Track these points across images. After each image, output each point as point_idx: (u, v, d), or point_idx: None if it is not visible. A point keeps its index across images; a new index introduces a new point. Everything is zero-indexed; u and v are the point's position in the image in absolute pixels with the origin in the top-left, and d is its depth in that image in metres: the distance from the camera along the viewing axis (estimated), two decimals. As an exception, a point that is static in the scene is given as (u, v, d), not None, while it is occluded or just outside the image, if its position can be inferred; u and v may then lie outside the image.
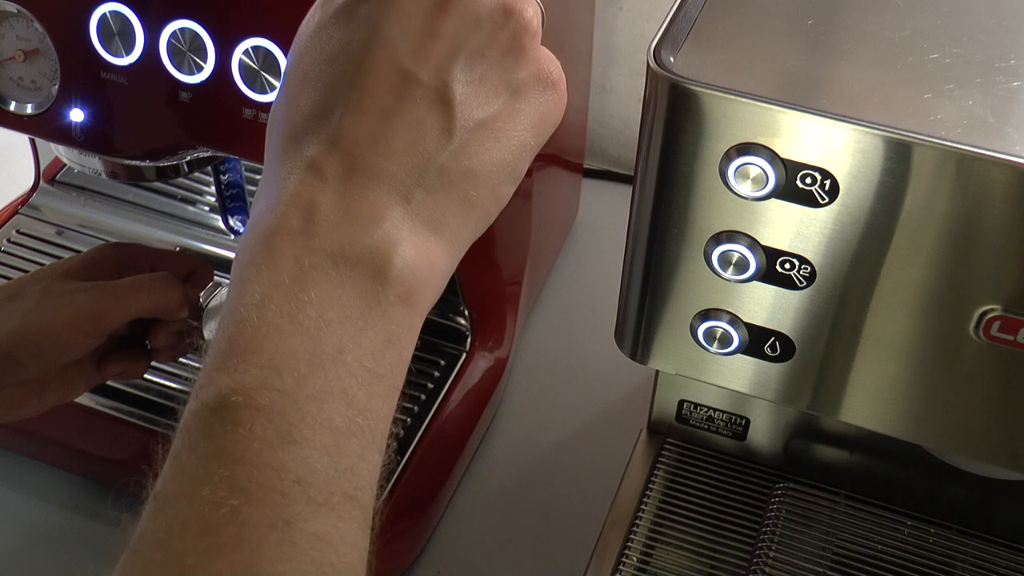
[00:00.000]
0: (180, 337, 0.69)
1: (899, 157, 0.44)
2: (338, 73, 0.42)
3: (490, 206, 0.44)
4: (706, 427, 0.73)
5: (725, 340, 0.52)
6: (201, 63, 0.55)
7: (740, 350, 0.52)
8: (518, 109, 0.44)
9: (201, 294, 0.68)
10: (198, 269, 0.70)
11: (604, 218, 0.99)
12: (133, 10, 0.55)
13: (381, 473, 0.41)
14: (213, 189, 0.82)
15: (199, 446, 0.37)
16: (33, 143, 0.87)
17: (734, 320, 0.51)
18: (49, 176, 0.89)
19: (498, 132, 0.43)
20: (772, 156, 0.46)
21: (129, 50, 0.55)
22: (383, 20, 0.42)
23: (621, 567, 0.67)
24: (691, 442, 0.74)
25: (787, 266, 0.48)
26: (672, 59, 0.47)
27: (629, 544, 0.69)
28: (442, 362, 0.79)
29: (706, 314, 0.51)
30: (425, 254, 0.41)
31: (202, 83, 0.55)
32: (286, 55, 0.53)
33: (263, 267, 0.39)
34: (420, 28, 0.42)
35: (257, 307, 0.39)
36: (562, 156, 0.91)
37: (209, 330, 0.67)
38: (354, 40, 0.42)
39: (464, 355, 0.80)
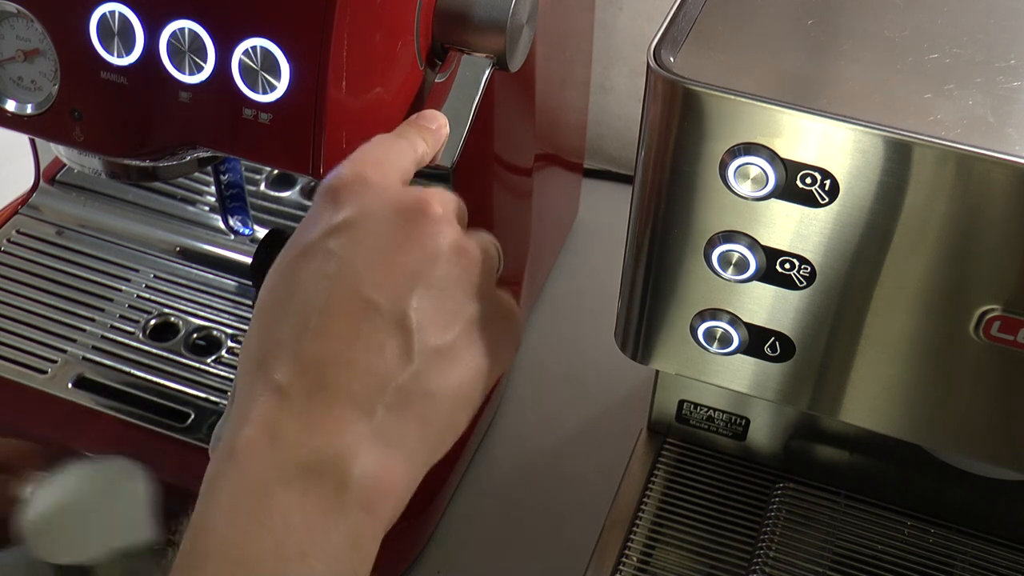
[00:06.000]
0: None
1: (899, 157, 0.44)
2: (306, 301, 0.45)
3: (446, 429, 0.47)
4: (706, 427, 0.73)
5: (725, 340, 0.52)
6: (201, 63, 0.55)
7: (740, 350, 0.52)
8: (474, 339, 0.47)
9: (27, 489, 0.64)
10: (24, 458, 0.67)
11: (604, 218, 0.99)
12: (133, 10, 0.55)
13: None
14: (213, 189, 0.82)
15: None
16: (33, 143, 0.87)
17: (734, 320, 0.51)
18: (49, 176, 0.89)
19: (454, 358, 0.46)
20: (772, 156, 0.46)
21: (129, 50, 0.55)
22: (349, 254, 0.45)
23: (621, 567, 0.67)
24: (691, 442, 0.74)
25: (787, 266, 0.48)
26: (672, 59, 0.47)
27: (629, 544, 0.69)
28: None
29: (706, 314, 0.51)
30: (385, 467, 0.44)
31: (202, 83, 0.55)
32: (286, 55, 0.53)
33: (232, 478, 0.42)
34: (382, 262, 0.45)
35: (224, 513, 0.42)
36: (562, 156, 0.91)
37: (31, 526, 0.62)
38: (322, 272, 0.45)
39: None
